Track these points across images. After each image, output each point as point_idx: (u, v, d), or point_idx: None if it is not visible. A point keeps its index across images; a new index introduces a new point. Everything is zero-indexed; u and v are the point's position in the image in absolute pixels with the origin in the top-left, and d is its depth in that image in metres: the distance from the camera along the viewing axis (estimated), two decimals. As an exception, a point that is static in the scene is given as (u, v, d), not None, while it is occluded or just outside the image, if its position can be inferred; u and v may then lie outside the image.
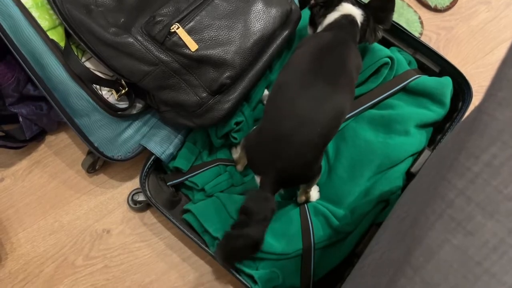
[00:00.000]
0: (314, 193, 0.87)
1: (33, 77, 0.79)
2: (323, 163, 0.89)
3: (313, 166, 0.76)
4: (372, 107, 0.90)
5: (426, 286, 0.30)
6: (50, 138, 1.00)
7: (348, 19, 0.80)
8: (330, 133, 0.74)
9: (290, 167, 0.72)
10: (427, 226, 0.32)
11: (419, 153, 0.89)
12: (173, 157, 0.90)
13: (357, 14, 0.81)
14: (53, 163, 0.99)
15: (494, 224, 0.28)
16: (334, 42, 0.76)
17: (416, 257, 0.31)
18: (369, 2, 0.84)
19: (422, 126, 0.89)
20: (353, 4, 0.83)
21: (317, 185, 0.89)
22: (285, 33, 0.85)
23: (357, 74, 0.80)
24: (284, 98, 0.73)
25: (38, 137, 0.97)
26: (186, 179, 0.88)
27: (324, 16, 0.82)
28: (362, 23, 0.81)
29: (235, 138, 0.85)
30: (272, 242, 0.83)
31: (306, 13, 0.96)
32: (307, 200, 0.86)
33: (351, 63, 0.75)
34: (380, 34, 0.84)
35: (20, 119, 0.89)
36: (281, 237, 0.84)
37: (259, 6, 0.79)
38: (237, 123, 0.85)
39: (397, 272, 0.34)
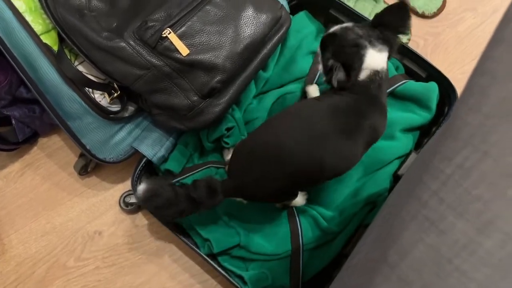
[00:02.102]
0: (298, 199, 0.87)
1: (26, 80, 0.80)
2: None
3: (281, 196, 0.78)
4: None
5: (401, 284, 0.32)
6: (42, 141, 1.01)
7: (376, 78, 0.72)
8: (317, 178, 0.74)
9: (255, 187, 0.74)
10: (403, 226, 0.33)
11: (406, 156, 0.91)
12: (164, 159, 0.91)
13: (383, 59, 0.74)
14: (45, 165, 0.99)
15: (464, 224, 0.30)
16: (354, 108, 0.72)
17: (392, 255, 0.33)
18: (378, 18, 0.74)
19: (409, 129, 0.92)
20: (380, 47, 0.73)
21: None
22: (275, 38, 0.87)
23: (370, 143, 0.76)
24: (297, 117, 0.73)
25: (30, 139, 0.98)
26: (178, 181, 0.90)
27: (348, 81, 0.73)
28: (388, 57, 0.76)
29: (227, 143, 0.86)
30: (262, 243, 0.84)
31: (296, 19, 0.98)
32: (285, 206, 0.88)
33: (365, 135, 0.73)
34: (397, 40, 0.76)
35: (13, 121, 0.90)
36: (270, 238, 0.85)
37: (249, 12, 0.80)
38: (228, 129, 0.86)
39: (375, 270, 0.36)
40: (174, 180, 0.90)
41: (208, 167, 0.90)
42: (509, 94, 0.30)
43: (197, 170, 0.89)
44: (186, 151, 0.91)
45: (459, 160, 0.31)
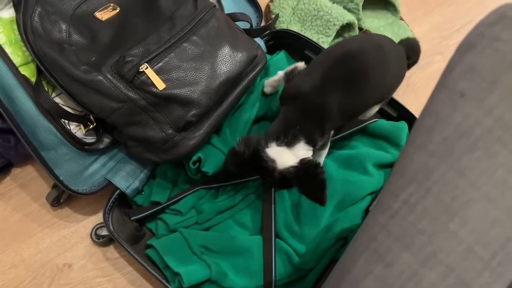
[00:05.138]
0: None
1: (1, 110, 0.81)
2: (287, 199, 0.92)
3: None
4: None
5: (351, 314, 0.33)
6: (16, 171, 1.00)
7: None
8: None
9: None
10: (356, 258, 0.35)
11: (378, 192, 0.93)
12: (138, 191, 0.91)
13: None
14: (17, 196, 0.98)
15: (409, 256, 0.31)
16: None
17: (345, 286, 0.34)
18: None
19: (380, 166, 0.94)
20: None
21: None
22: (251, 75, 0.90)
23: None
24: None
25: (4, 169, 0.97)
26: (149, 214, 0.90)
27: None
28: None
29: (207, 172, 0.88)
30: (233, 277, 0.84)
31: (276, 57, 1.02)
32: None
33: None
34: None
35: (-13, 151, 0.90)
36: (243, 273, 0.85)
37: (225, 50, 0.84)
38: (194, 163, 0.87)
39: (331, 302, 0.37)
40: (163, 205, 0.90)
41: (198, 189, 0.91)
42: (449, 135, 0.32)
43: (188, 193, 0.90)
44: (168, 184, 0.92)
45: (405, 196, 0.33)
